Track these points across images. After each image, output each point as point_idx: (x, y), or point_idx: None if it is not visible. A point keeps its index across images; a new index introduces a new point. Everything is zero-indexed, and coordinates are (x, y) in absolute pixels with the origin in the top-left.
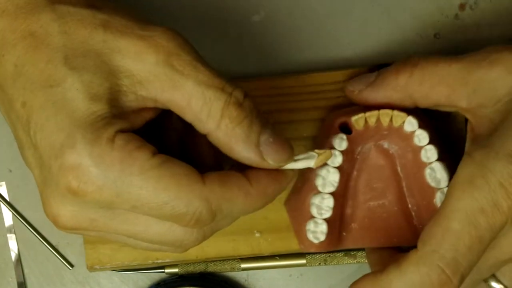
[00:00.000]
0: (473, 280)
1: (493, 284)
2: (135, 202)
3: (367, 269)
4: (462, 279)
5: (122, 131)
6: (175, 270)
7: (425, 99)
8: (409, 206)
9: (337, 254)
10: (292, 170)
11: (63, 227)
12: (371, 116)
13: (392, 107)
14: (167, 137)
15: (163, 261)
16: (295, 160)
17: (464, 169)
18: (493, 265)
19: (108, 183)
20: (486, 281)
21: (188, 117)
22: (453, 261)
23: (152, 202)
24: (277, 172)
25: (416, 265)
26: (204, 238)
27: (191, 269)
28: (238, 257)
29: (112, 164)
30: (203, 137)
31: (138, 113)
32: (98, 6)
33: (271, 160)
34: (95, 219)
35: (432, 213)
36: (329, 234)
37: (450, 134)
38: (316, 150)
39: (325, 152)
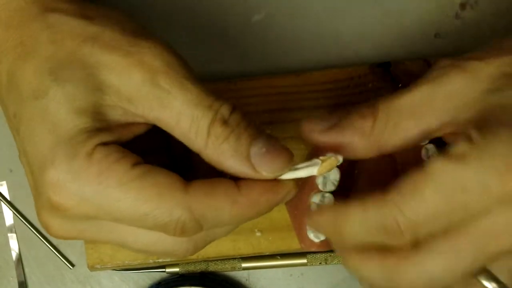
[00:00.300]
0: (468, 269)
1: (485, 283)
2: (116, 214)
3: None
4: (416, 239)
5: (104, 143)
6: (176, 269)
7: (394, 140)
8: None
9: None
10: (292, 180)
11: (55, 236)
12: None
13: (354, 155)
14: (172, 140)
15: (164, 260)
16: (296, 169)
17: (460, 144)
18: (496, 254)
19: (87, 198)
20: (477, 276)
21: (178, 135)
22: (411, 222)
23: (134, 214)
24: (272, 182)
25: (377, 209)
26: (196, 248)
27: (192, 268)
28: (239, 257)
29: (89, 179)
30: None
31: (126, 127)
32: (91, 17)
33: (264, 171)
34: (83, 230)
35: None
36: None
37: None
38: (320, 157)
39: (329, 159)
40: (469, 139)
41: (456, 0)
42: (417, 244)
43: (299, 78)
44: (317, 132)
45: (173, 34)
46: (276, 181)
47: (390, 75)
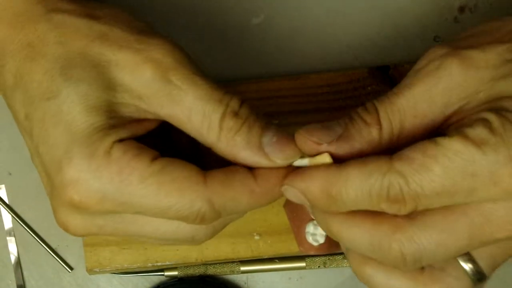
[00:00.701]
0: (461, 250)
1: (462, 263)
2: (139, 209)
3: None
4: (415, 209)
5: (120, 140)
6: (175, 273)
7: (402, 141)
8: None
9: (337, 257)
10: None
11: (74, 234)
12: None
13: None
14: (177, 132)
15: (162, 263)
16: (306, 157)
17: (478, 129)
18: (486, 241)
19: (109, 195)
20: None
21: (190, 131)
22: (415, 193)
23: (156, 207)
24: (284, 169)
25: (382, 175)
26: (215, 232)
27: (190, 272)
28: (237, 260)
29: (110, 177)
30: None
31: (139, 122)
32: (96, 16)
33: (278, 159)
34: (104, 225)
35: None
36: (329, 236)
37: None
38: (322, 155)
39: (321, 156)
40: (486, 124)
41: (455, 4)
42: (412, 215)
43: (298, 81)
44: (325, 143)
45: (172, 37)
46: (287, 168)
47: (389, 78)
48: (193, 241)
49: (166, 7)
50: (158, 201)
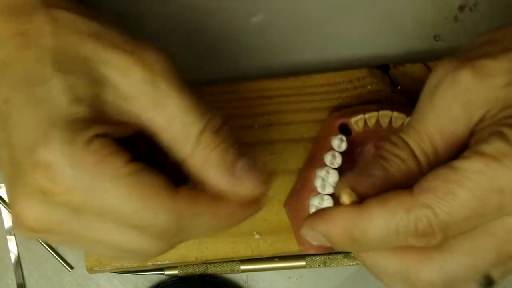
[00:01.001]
0: (489, 268)
1: None
2: (104, 207)
3: (366, 271)
4: (445, 239)
5: (99, 136)
6: (175, 272)
7: (439, 160)
8: None
9: (337, 256)
10: (264, 196)
11: (27, 227)
12: (371, 118)
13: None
14: (137, 143)
15: (162, 263)
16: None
17: (494, 143)
18: (507, 255)
19: (80, 185)
20: None
21: (166, 140)
22: (444, 223)
23: (121, 210)
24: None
25: (407, 211)
26: (168, 248)
27: (190, 271)
28: (237, 259)
29: (85, 167)
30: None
31: (118, 125)
32: (93, 16)
33: (248, 185)
34: (61, 222)
35: None
36: None
37: None
38: None
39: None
40: (502, 136)
41: (455, 3)
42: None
43: (298, 80)
44: (370, 191)
45: (173, 36)
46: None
47: (389, 77)
48: (145, 255)
49: (166, 6)
50: (125, 203)
